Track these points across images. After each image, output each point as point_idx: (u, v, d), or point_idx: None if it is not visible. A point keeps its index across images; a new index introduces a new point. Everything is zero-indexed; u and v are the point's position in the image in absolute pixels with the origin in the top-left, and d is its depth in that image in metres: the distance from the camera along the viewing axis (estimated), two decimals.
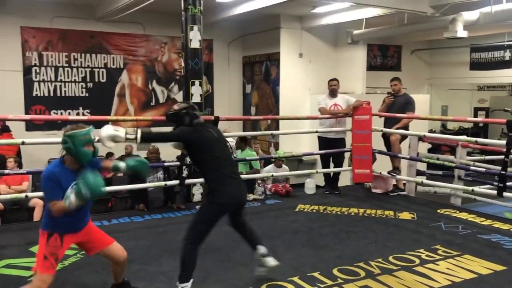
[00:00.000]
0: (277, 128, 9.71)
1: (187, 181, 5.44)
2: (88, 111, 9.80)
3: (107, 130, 3.20)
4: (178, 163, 5.45)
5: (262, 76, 10.83)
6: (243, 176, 5.60)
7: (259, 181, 6.31)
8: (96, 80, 9.92)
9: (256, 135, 10.19)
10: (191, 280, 3.18)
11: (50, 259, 2.80)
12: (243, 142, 7.55)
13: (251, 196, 6.05)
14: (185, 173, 5.34)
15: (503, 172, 4.91)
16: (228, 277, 3.59)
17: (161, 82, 10.66)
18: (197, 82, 5.82)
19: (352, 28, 9.59)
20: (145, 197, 5.82)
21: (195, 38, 5.73)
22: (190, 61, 5.73)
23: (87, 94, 9.84)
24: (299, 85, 10.26)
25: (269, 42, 10.30)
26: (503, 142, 4.97)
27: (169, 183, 5.38)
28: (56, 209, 2.74)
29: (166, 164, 5.68)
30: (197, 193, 5.91)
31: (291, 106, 9.98)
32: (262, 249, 3.52)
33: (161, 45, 10.53)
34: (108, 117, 9.55)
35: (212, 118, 5.45)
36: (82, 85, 9.80)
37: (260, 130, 10.45)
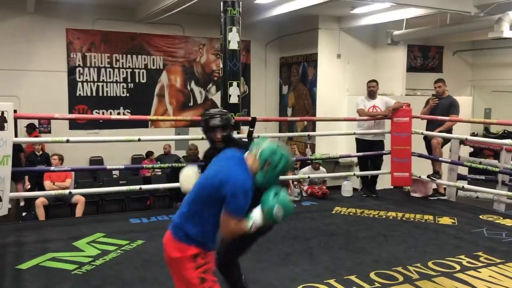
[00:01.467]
0: (314, 130, 9.66)
1: None
2: (129, 110, 10.05)
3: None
4: None
5: (299, 77, 10.80)
6: None
7: (295, 183, 6.29)
8: (137, 80, 10.17)
9: (293, 136, 10.18)
10: None
11: (208, 277, 2.25)
12: None
13: None
14: None
15: None
16: (264, 277, 3.60)
17: (199, 83, 10.81)
18: (235, 83, 5.87)
19: (392, 29, 9.42)
20: (183, 195, 5.90)
21: (233, 40, 5.78)
22: (229, 62, 5.78)
23: (127, 94, 10.10)
24: (336, 86, 10.17)
25: (307, 43, 10.27)
26: None
27: None
28: (234, 229, 2.22)
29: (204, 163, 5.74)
30: None
31: (328, 107, 9.91)
32: None
33: (199, 46, 10.68)
34: (148, 117, 9.82)
35: (249, 119, 5.49)
36: (123, 86, 10.07)
37: (297, 131, 10.42)
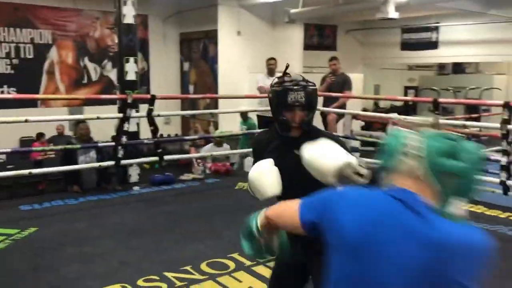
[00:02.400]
0: (217, 107, 9.63)
1: (123, 161, 5.29)
2: (14, 89, 9.19)
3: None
4: (113, 143, 5.29)
5: (200, 53, 10.66)
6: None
7: (198, 161, 6.27)
8: (22, 56, 9.31)
9: (195, 114, 10.08)
10: None
11: None
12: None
13: (190, 176, 6.02)
14: (120, 153, 5.19)
15: None
16: (168, 256, 3.57)
17: (93, 59, 10.20)
18: (132, 59, 5.63)
19: (289, 7, 9.63)
20: (78, 178, 5.61)
21: (129, 13, 5.52)
22: (124, 37, 5.52)
23: (12, 71, 9.22)
24: (237, 63, 10.21)
25: (207, 19, 10.13)
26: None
27: (104, 164, 5.20)
28: None
29: (100, 144, 5.50)
30: (134, 173, 5.77)
31: (230, 84, 9.93)
32: None
33: (93, 20, 10.04)
34: (37, 96, 9.07)
35: (149, 96, 5.32)
36: (6, 62, 9.16)
37: (199, 109, 10.33)
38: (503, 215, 4.64)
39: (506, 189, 4.55)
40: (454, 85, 12.74)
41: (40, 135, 8.75)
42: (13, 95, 8.35)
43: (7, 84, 9.15)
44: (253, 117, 7.47)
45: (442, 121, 5.40)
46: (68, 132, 9.19)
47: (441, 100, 5.49)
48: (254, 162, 1.99)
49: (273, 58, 6.59)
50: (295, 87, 1.89)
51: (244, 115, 7.51)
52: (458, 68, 13.75)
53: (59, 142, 8.27)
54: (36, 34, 9.41)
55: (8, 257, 3.50)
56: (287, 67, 2.09)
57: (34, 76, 9.45)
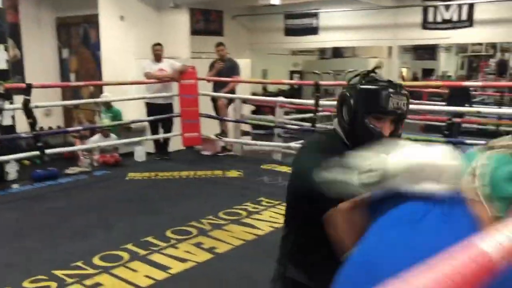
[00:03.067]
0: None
1: None
2: None
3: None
4: None
5: (80, 39, 10.04)
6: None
7: (85, 153, 5.97)
8: None
9: (79, 104, 9.52)
10: None
11: None
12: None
13: (76, 169, 5.72)
14: None
15: (313, 128, 5.54)
16: (57, 254, 3.38)
17: None
18: (1, 47, 5.14)
19: None
20: None
21: None
22: None
23: None
24: (122, 49, 9.79)
25: (86, 3, 9.53)
26: (312, 101, 5.59)
27: None
28: None
29: None
30: (12, 171, 5.32)
31: (115, 71, 9.49)
32: None
33: None
34: None
35: (24, 86, 4.92)
36: None
37: (83, 98, 9.77)
38: None
39: None
40: (334, 68, 13.59)
41: None
42: None
43: None
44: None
45: (323, 102, 5.77)
46: None
47: (321, 82, 5.84)
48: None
49: (159, 44, 6.48)
50: (399, 90, 1.44)
51: (107, 103, 7.21)
52: (338, 52, 14.71)
53: None
54: None
55: None
56: (377, 67, 1.64)
57: None
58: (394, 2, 10.04)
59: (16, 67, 8.98)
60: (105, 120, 7.27)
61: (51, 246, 3.53)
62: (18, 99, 5.05)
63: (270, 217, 4.12)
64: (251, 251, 3.45)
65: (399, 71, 13.40)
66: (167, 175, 5.62)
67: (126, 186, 5.19)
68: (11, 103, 5.13)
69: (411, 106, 1.52)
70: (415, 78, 16.51)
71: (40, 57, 10.28)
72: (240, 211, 4.27)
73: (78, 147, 6.34)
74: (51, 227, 3.92)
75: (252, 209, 4.33)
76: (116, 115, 6.91)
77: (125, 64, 9.75)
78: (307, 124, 6.48)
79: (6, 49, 5.18)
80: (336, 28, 11.52)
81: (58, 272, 3.07)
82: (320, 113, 5.94)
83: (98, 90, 9.52)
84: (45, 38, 10.35)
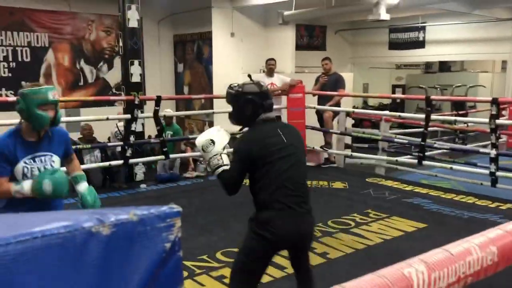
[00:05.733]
0: (212, 107, 9.85)
1: (131, 160, 5.49)
2: (12, 92, 9.30)
3: (206, 135, 2.49)
4: (121, 143, 5.49)
5: (194, 55, 10.86)
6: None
7: (201, 159, 6.48)
8: (20, 59, 9.42)
9: (191, 114, 10.27)
10: None
11: None
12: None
13: (194, 173, 6.24)
14: (129, 152, 5.39)
15: (423, 143, 5.51)
16: (184, 246, 3.78)
17: (89, 61, 10.33)
18: (136, 62, 5.83)
19: (281, 8, 9.89)
20: (86, 177, 5.80)
21: (133, 18, 5.71)
22: (129, 40, 5.71)
23: (10, 74, 9.33)
24: (231, 64, 10.43)
25: (201, 21, 10.33)
26: (422, 116, 5.56)
27: (113, 163, 5.40)
28: None
29: (110, 144, 5.70)
30: (140, 172, 5.98)
31: (224, 85, 10.02)
32: None
33: (88, 23, 10.17)
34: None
35: (155, 97, 5.53)
36: (4, 65, 9.26)
37: (194, 109, 10.53)
38: (493, 205, 4.96)
39: (494, 180, 4.86)
40: (441, 83, 13.14)
41: None
42: (13, 98, 8.45)
43: (5, 87, 9.26)
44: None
45: (433, 117, 5.72)
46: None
47: (433, 97, 5.79)
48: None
49: (272, 59, 6.85)
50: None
51: (168, 119, 6.81)
52: (444, 66, 14.17)
53: None
54: (33, 37, 9.52)
55: None
56: (249, 76, 2.74)
57: (32, 78, 9.54)
58: (511, 14, 9.53)
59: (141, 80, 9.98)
60: None
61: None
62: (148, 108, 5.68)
63: (379, 229, 4.21)
64: (363, 259, 3.58)
65: None
66: None
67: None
68: (142, 112, 5.78)
69: None
70: None
71: (159, 72, 11.29)
72: (349, 221, 4.41)
73: (192, 153, 6.89)
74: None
75: (360, 220, 4.44)
76: (177, 132, 7.03)
77: (234, 78, 10.33)
78: (415, 139, 6.44)
79: (140, 65, 5.85)
80: (444, 42, 11.18)
81: (188, 263, 3.46)
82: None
83: (208, 103, 10.21)
84: (163, 54, 11.35)
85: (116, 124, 6.31)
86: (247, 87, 2.43)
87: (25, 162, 2.33)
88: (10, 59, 9.33)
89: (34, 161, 2.38)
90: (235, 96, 2.46)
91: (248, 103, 2.38)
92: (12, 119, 5.71)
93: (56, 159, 2.48)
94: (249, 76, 2.72)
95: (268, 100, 2.41)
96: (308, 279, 2.46)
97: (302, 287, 2.46)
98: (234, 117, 2.54)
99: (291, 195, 2.27)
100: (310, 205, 2.36)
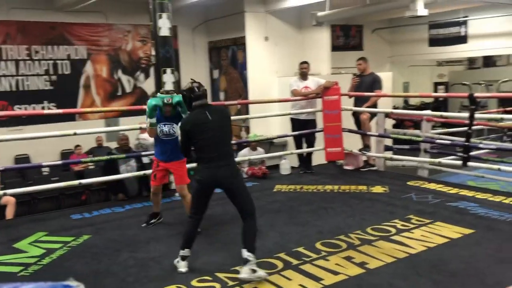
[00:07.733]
0: (247, 112, 9.80)
1: None
2: (54, 104, 9.59)
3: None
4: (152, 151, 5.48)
5: (229, 60, 10.86)
6: None
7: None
8: (60, 72, 9.71)
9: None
10: (187, 250, 3.47)
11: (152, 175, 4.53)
12: None
13: None
14: None
15: (467, 143, 5.21)
16: (218, 257, 3.71)
17: (126, 71, 10.53)
18: (168, 70, 5.81)
19: (315, 10, 9.72)
20: (123, 186, 5.85)
21: (164, 26, 5.70)
22: (161, 49, 5.71)
23: (51, 87, 9.62)
24: (266, 68, 10.35)
25: (234, 27, 10.32)
26: (466, 114, 5.26)
27: (148, 172, 5.40)
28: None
29: (144, 153, 5.71)
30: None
31: (260, 89, 10.08)
32: (244, 254, 3.29)
33: (124, 33, 10.37)
34: (76, 110, 9.44)
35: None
36: (45, 78, 9.57)
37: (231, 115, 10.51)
38: None
39: None
40: (486, 78, 12.57)
41: (77, 146, 9.07)
42: (55, 111, 8.68)
43: (47, 99, 9.55)
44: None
45: (478, 115, 5.40)
46: (105, 143, 9.51)
47: (477, 94, 5.46)
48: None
49: (305, 62, 6.69)
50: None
51: None
52: (489, 61, 13.55)
53: (99, 153, 8.58)
54: (72, 50, 9.79)
55: (69, 263, 3.71)
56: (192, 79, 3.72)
57: (72, 90, 9.83)
58: None
59: (175, 88, 10.04)
60: (252, 135, 7.73)
61: (212, 250, 3.87)
62: None
63: (422, 236, 3.98)
64: (404, 269, 3.38)
65: None
66: (312, 188, 5.76)
67: (274, 197, 5.45)
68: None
69: None
70: None
71: (195, 78, 11.33)
72: (389, 228, 4.20)
73: None
74: (209, 234, 4.28)
75: (401, 227, 4.22)
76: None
77: (269, 82, 10.27)
78: (459, 139, 6.11)
79: (173, 73, 5.84)
80: (488, 36, 10.67)
81: (221, 275, 3.37)
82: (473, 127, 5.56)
83: (244, 108, 10.16)
84: (199, 60, 11.40)
85: (138, 136, 6.30)
86: (183, 86, 3.66)
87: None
88: (51, 72, 9.62)
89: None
90: (182, 93, 3.77)
91: (184, 96, 3.66)
92: (51, 131, 5.86)
93: None
94: (192, 79, 3.66)
95: (196, 93, 3.53)
96: (245, 225, 3.47)
97: (242, 232, 3.42)
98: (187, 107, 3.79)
99: (211, 155, 3.40)
100: (229, 160, 3.52)
